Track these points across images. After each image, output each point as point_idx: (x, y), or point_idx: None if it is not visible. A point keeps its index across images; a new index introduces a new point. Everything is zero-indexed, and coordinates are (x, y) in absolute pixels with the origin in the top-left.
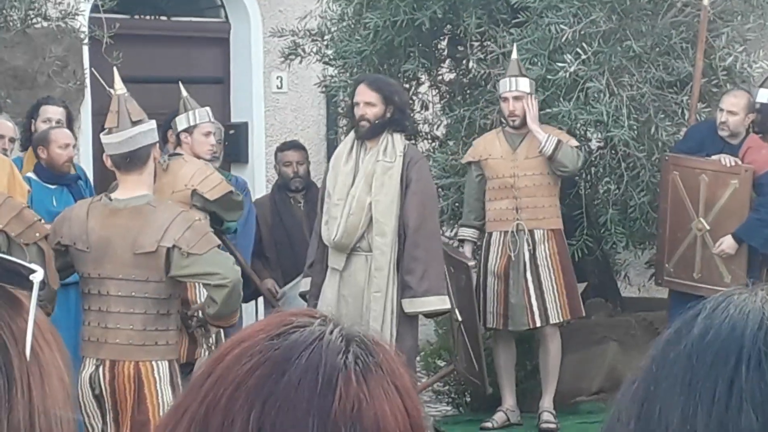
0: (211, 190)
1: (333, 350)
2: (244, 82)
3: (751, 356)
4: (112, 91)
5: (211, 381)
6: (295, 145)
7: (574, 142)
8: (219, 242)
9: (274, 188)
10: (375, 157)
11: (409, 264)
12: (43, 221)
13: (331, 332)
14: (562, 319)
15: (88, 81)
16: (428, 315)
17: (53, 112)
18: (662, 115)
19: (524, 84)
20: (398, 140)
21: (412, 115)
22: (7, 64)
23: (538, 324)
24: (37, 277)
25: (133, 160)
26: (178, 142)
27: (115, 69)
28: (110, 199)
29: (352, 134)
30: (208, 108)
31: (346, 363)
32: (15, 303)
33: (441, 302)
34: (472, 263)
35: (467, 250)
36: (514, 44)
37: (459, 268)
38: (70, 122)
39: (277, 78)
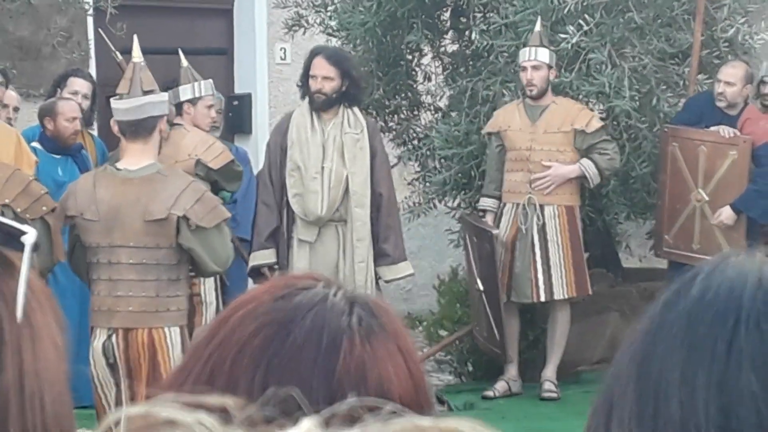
0: (214, 159)
1: (337, 311)
2: (248, 54)
3: (750, 316)
4: (117, 55)
5: (216, 342)
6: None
7: (596, 123)
8: (228, 215)
9: None
10: (340, 129)
11: (385, 232)
12: (48, 193)
13: (335, 294)
14: (567, 296)
15: (92, 52)
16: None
17: (81, 85)
18: (664, 87)
19: (543, 54)
20: (357, 112)
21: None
22: (11, 35)
23: (542, 299)
24: (28, 238)
25: (138, 129)
26: (178, 112)
27: (135, 37)
28: (118, 169)
29: (306, 106)
30: (210, 80)
31: (350, 324)
32: (7, 265)
33: (408, 267)
34: (496, 232)
35: (489, 219)
36: (538, 18)
37: (483, 237)
38: (94, 98)
39: (281, 49)
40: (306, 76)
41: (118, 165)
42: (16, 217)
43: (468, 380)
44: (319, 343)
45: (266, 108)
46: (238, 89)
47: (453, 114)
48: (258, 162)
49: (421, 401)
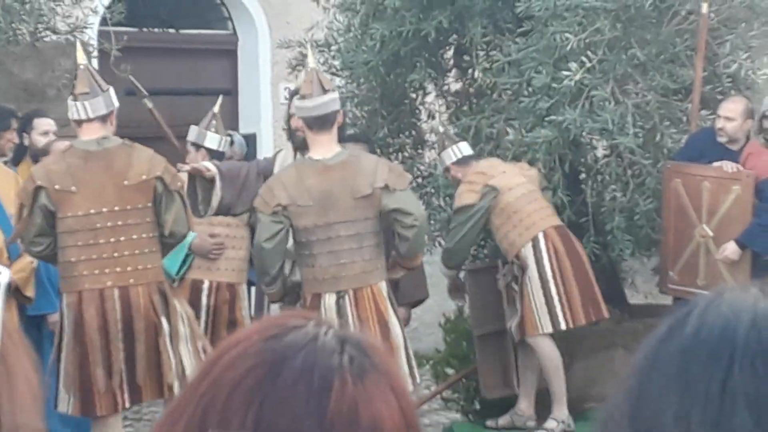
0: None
1: (328, 351)
2: (252, 94)
3: (744, 355)
4: (148, 103)
5: (208, 383)
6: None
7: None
8: (410, 177)
9: None
10: None
11: None
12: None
13: (326, 333)
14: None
15: None
16: None
17: (48, 123)
18: (667, 123)
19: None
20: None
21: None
22: (17, 78)
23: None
24: (2, 279)
25: (324, 123)
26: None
27: (309, 49)
28: (315, 160)
29: (290, 147)
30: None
31: (341, 363)
32: None
33: None
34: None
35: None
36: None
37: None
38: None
39: (285, 89)
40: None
41: (313, 156)
42: (165, 189)
43: (475, 418)
44: (310, 383)
45: (271, 147)
46: (243, 129)
47: None
48: None
49: None
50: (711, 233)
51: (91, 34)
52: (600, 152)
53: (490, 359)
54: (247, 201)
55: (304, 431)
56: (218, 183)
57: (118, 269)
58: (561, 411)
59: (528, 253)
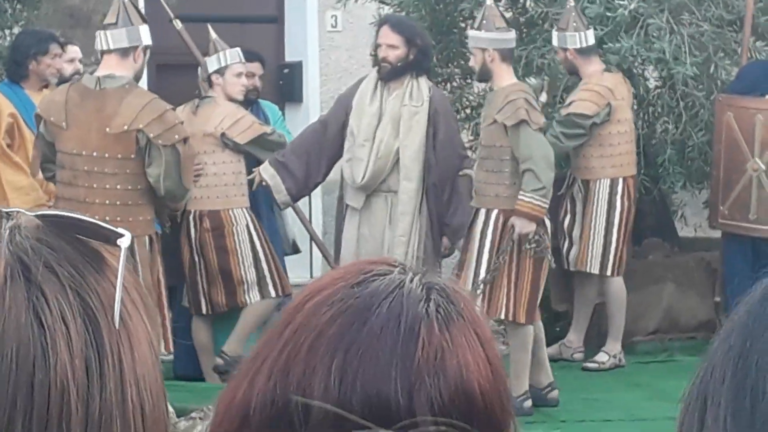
0: (241, 134)
1: (414, 298)
2: (299, 21)
3: None
4: (177, 23)
5: (291, 329)
6: None
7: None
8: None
9: None
10: (400, 100)
11: (445, 207)
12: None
13: (411, 280)
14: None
15: None
16: None
17: (75, 51)
18: (722, 54)
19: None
20: (423, 84)
21: (433, 56)
22: (62, 3)
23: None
24: (124, 242)
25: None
26: (210, 84)
27: None
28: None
29: (374, 74)
30: (238, 48)
31: (428, 311)
32: (100, 262)
33: None
34: None
35: None
36: None
37: None
38: None
39: (332, 17)
40: (375, 46)
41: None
42: (150, 145)
43: None
44: (398, 331)
45: (317, 76)
46: (289, 57)
47: None
48: None
49: (500, 388)
50: (764, 167)
51: None
52: (652, 83)
53: (558, 272)
54: (325, 162)
55: (391, 379)
56: (278, 186)
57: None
58: (615, 346)
59: (603, 188)
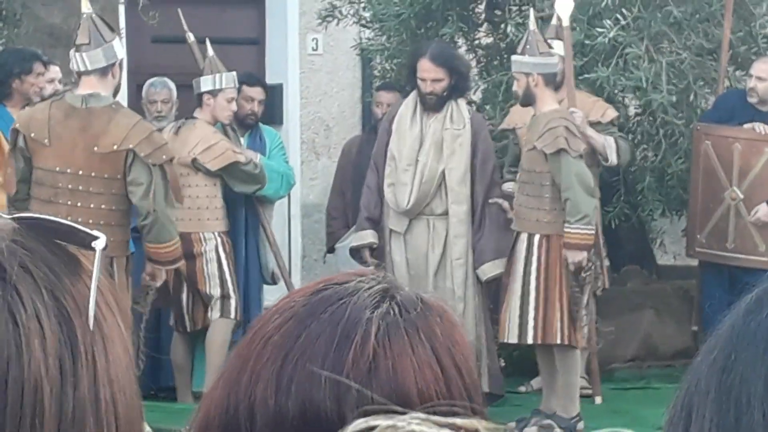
0: (213, 160)
1: (360, 306)
2: (280, 44)
3: None
4: (190, 36)
5: (247, 339)
6: (388, 87)
7: (612, 113)
8: None
9: (365, 127)
10: (442, 124)
11: (482, 230)
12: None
13: (369, 289)
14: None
15: (123, 40)
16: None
17: (55, 71)
18: (701, 83)
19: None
20: (463, 106)
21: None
22: (43, 21)
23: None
24: (99, 244)
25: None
26: (198, 104)
27: None
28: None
29: (413, 97)
30: (234, 73)
31: (371, 319)
32: (75, 265)
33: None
34: None
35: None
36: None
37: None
38: None
39: (313, 39)
40: (412, 70)
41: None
42: (134, 162)
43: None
44: (333, 337)
45: (297, 99)
46: (270, 80)
47: (487, 107)
48: (290, 152)
49: (454, 394)
50: (742, 196)
51: None
52: (632, 111)
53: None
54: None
55: (321, 385)
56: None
57: None
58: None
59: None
